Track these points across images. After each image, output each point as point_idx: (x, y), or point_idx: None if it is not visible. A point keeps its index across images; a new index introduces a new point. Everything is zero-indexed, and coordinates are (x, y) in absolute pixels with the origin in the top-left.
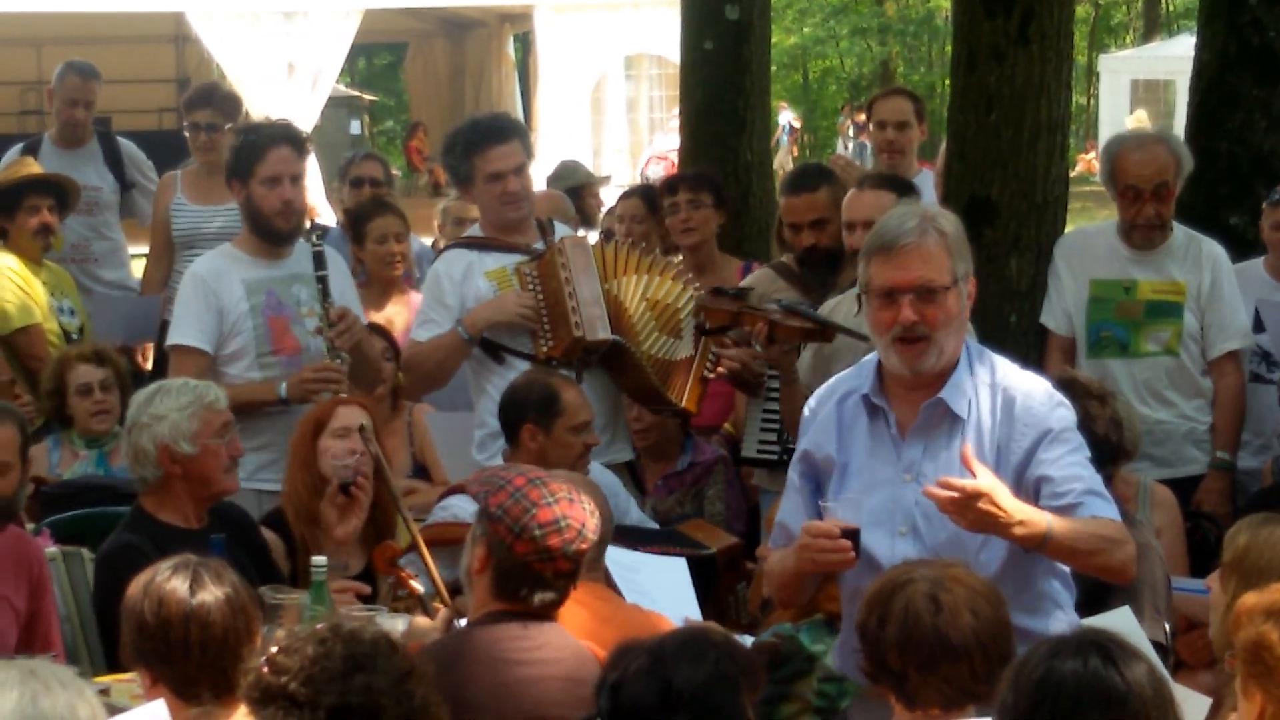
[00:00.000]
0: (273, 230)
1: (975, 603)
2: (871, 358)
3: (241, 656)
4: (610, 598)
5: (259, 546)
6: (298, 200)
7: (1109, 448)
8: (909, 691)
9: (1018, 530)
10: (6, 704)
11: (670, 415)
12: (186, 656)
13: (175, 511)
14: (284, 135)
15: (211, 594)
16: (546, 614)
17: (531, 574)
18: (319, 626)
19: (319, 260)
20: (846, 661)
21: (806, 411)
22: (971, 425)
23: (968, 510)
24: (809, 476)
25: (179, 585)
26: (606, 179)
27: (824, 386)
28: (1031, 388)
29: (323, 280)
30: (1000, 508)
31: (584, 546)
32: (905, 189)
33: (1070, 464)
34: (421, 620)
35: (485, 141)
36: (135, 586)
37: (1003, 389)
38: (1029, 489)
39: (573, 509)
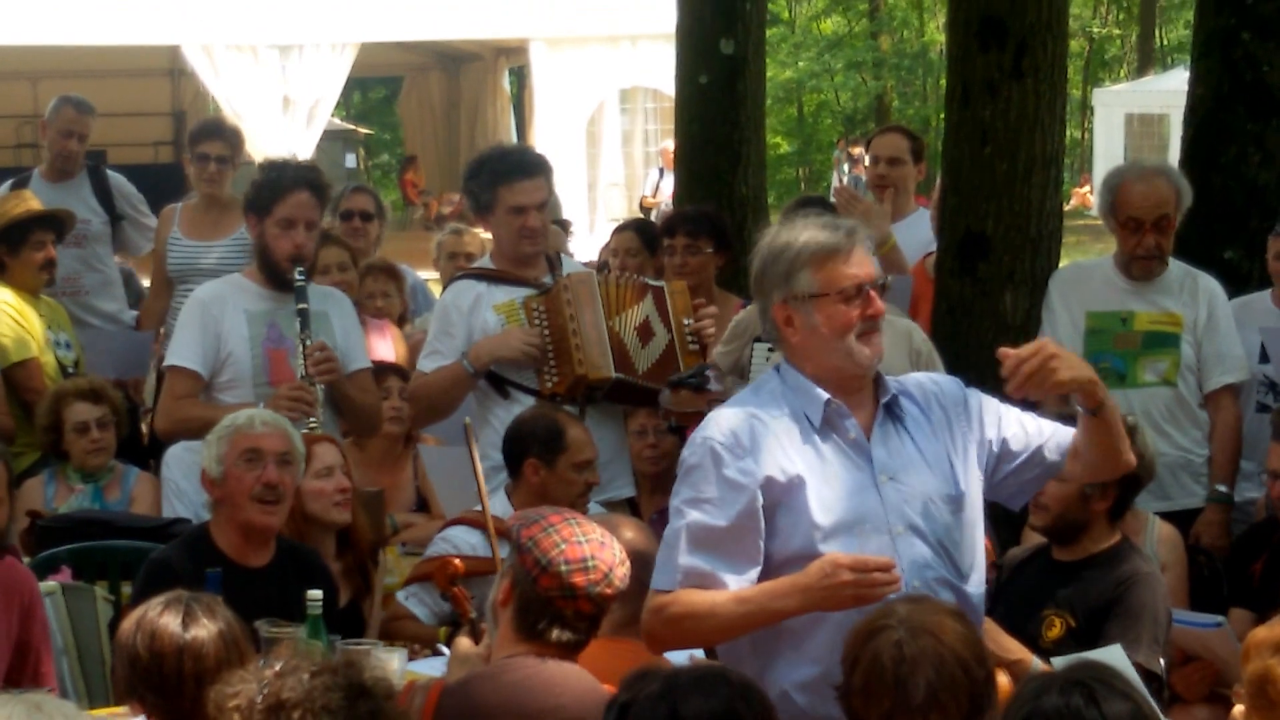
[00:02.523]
0: (280, 272)
1: (941, 657)
2: (764, 384)
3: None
4: (653, 661)
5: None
6: (308, 247)
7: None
8: None
9: (1091, 373)
10: None
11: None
12: (180, 690)
13: (229, 541)
14: (307, 179)
15: (205, 628)
16: (566, 654)
17: (553, 610)
18: (301, 661)
19: (300, 294)
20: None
21: (719, 447)
22: (915, 420)
23: (1047, 367)
24: (761, 511)
25: (171, 620)
26: (568, 222)
27: (720, 421)
28: (925, 377)
29: (302, 313)
30: (1062, 353)
31: (609, 591)
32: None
33: (1018, 413)
34: (465, 643)
35: (514, 174)
36: (128, 622)
37: (907, 385)
38: (986, 453)
39: (602, 551)
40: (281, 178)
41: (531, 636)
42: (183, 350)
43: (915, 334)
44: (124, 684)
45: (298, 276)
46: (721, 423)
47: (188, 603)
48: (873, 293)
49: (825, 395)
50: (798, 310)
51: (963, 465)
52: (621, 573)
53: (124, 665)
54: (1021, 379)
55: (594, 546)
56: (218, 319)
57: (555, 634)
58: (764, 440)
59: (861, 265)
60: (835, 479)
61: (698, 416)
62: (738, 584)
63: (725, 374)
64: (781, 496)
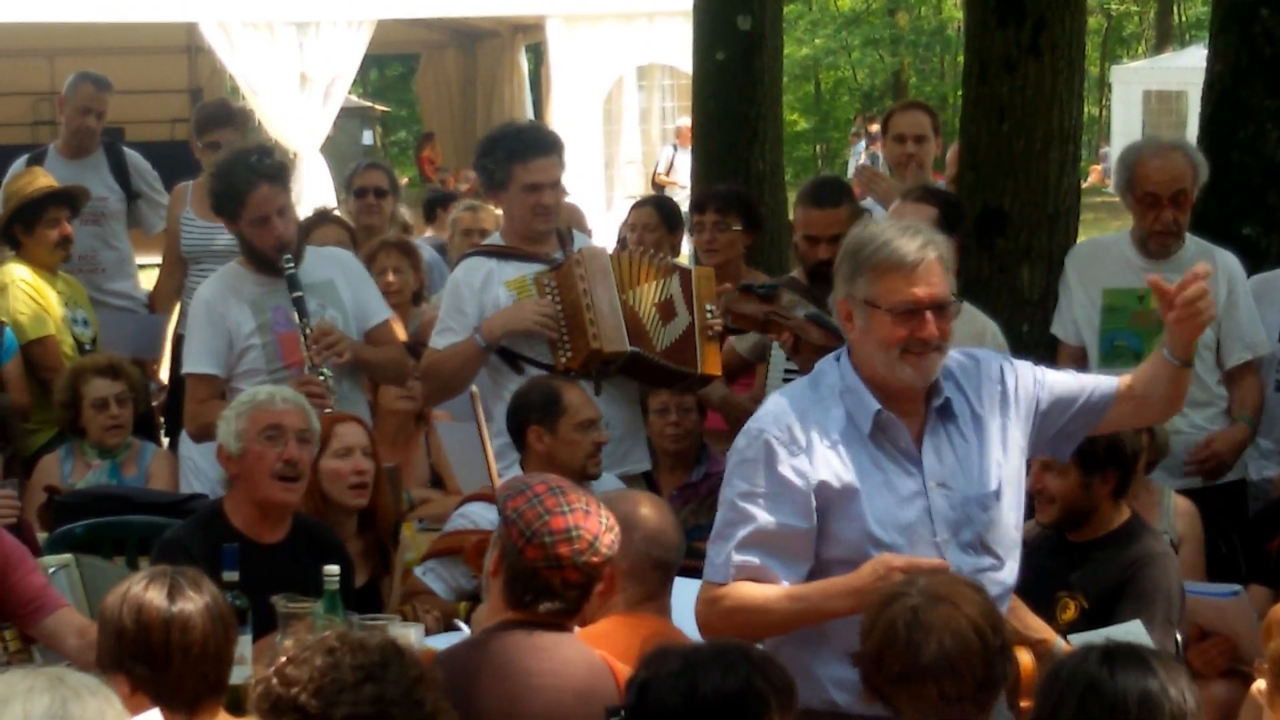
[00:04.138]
0: (270, 262)
1: (958, 625)
2: (824, 376)
3: (224, 661)
4: (673, 637)
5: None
6: (288, 232)
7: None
8: (893, 704)
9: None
10: (38, 709)
11: (698, 386)
12: (168, 663)
13: (244, 518)
14: (262, 174)
15: (192, 602)
16: (558, 624)
17: (540, 581)
18: (326, 636)
19: (292, 283)
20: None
21: (775, 442)
22: (965, 418)
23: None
24: (814, 511)
25: (157, 594)
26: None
27: (778, 413)
28: (964, 356)
29: (298, 302)
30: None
31: (595, 560)
32: (949, 206)
33: (1055, 371)
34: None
35: (529, 151)
36: (113, 596)
37: (953, 371)
38: (1033, 416)
39: (587, 520)
40: (235, 182)
41: (521, 607)
42: (198, 356)
43: (989, 337)
44: (109, 656)
45: (286, 265)
46: (779, 416)
47: (173, 577)
48: (929, 315)
49: (876, 406)
50: (855, 310)
51: (1002, 449)
52: (609, 539)
53: (110, 638)
54: (1184, 306)
55: (578, 516)
56: (224, 316)
57: (544, 605)
58: (819, 441)
59: (926, 285)
60: (886, 487)
61: (751, 321)
62: (790, 579)
63: (801, 299)
64: (834, 501)
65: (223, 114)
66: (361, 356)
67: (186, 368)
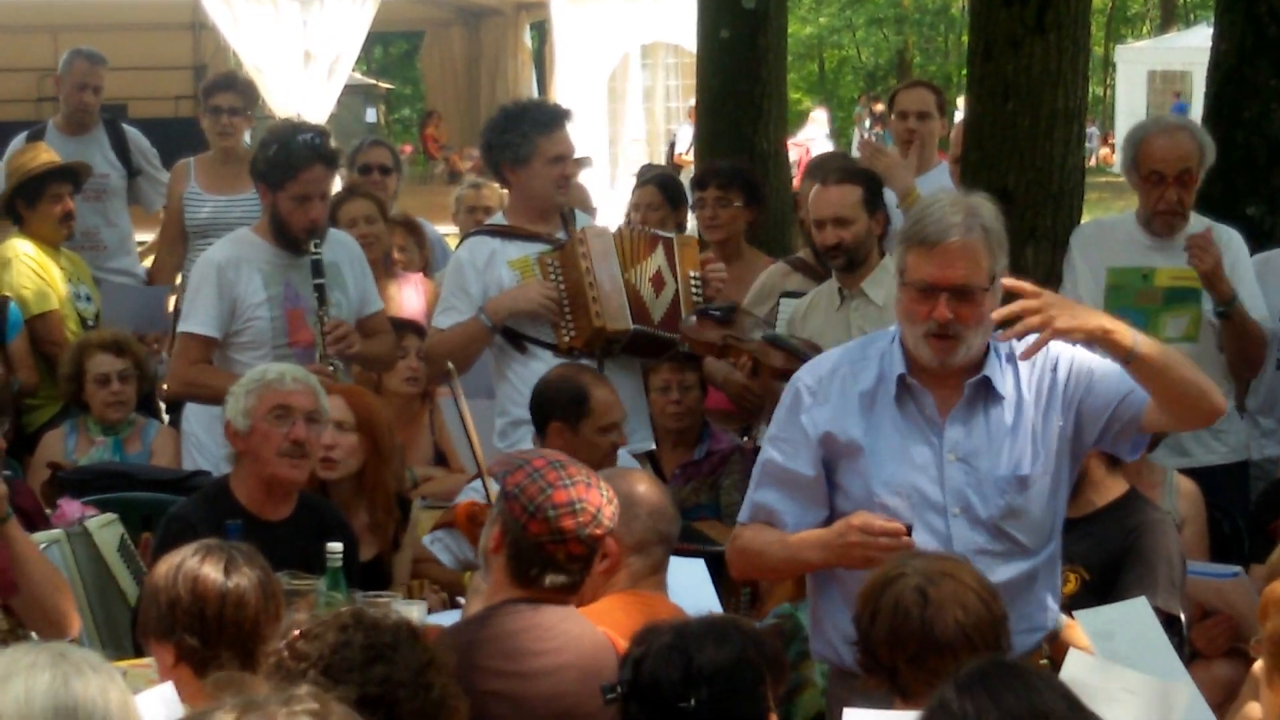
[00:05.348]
0: (295, 241)
1: (964, 598)
2: (880, 338)
3: (266, 640)
4: (672, 612)
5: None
6: (324, 217)
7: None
8: (900, 685)
9: (1104, 323)
10: (39, 685)
11: (683, 353)
12: (220, 635)
13: (250, 495)
14: (318, 154)
15: (246, 577)
16: (561, 598)
17: (544, 555)
18: (342, 612)
19: (317, 268)
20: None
21: (803, 390)
22: (1010, 402)
23: (1050, 311)
24: (822, 462)
25: (214, 568)
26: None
27: (818, 364)
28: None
29: (319, 288)
30: (1069, 303)
31: (598, 531)
32: (871, 181)
33: (1115, 371)
34: (480, 578)
35: (553, 123)
36: (166, 566)
37: (1017, 351)
38: (1075, 414)
39: (589, 493)
40: (292, 155)
41: (526, 582)
42: (199, 316)
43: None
44: (157, 625)
45: (314, 250)
46: (816, 366)
47: (229, 551)
48: (943, 298)
49: (901, 370)
50: (898, 275)
51: (1040, 438)
52: (610, 511)
53: (161, 607)
54: (1020, 330)
55: (580, 489)
56: (234, 283)
57: (549, 579)
58: (840, 395)
59: (946, 267)
60: (900, 452)
61: (709, 348)
62: (801, 524)
63: (760, 320)
64: (839, 455)
65: (227, 80)
66: (364, 352)
67: (185, 326)
